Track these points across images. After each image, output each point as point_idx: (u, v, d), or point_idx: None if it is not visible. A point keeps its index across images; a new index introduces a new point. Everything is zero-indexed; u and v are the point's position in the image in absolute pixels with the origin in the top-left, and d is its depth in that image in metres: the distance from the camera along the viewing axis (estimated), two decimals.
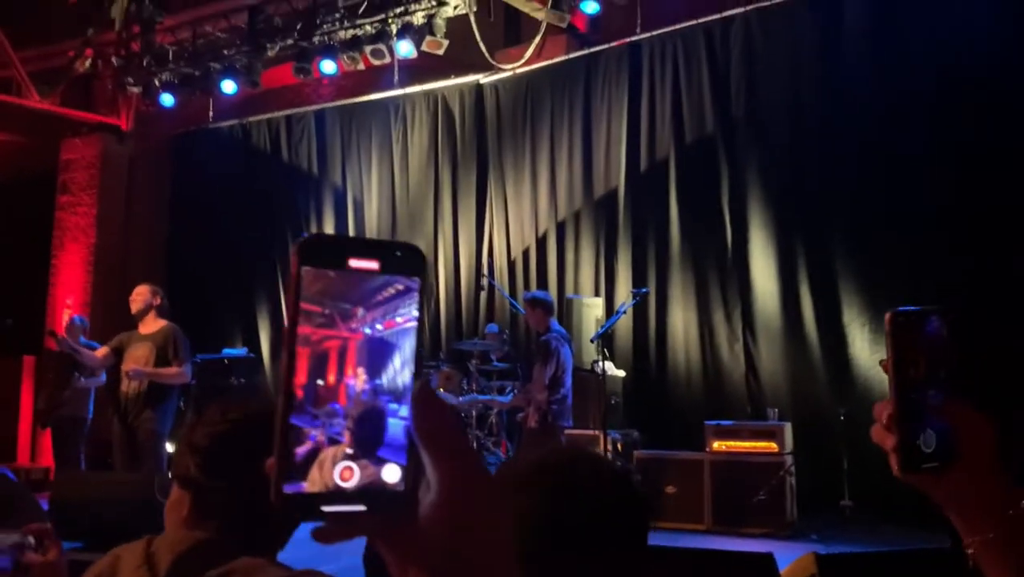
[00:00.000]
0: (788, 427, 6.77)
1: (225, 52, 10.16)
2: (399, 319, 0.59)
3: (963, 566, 0.85)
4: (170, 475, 1.48)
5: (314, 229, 10.82)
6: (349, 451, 0.56)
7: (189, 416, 7.66)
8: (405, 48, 9.07)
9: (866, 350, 7.14)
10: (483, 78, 9.79)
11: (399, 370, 0.58)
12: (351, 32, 9.41)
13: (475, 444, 7.79)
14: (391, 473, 0.57)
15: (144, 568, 1.27)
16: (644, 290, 7.87)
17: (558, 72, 9.39)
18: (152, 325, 6.51)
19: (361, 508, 0.56)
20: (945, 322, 0.87)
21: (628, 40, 8.87)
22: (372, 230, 10.43)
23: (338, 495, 0.56)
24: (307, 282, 0.56)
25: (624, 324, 8.35)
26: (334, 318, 0.57)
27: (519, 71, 9.57)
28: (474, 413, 7.83)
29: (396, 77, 9.94)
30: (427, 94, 10.17)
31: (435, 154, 10.10)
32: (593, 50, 9.18)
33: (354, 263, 0.57)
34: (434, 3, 8.90)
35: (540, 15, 8.95)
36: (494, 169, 9.68)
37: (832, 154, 7.65)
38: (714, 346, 8.13)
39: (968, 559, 0.85)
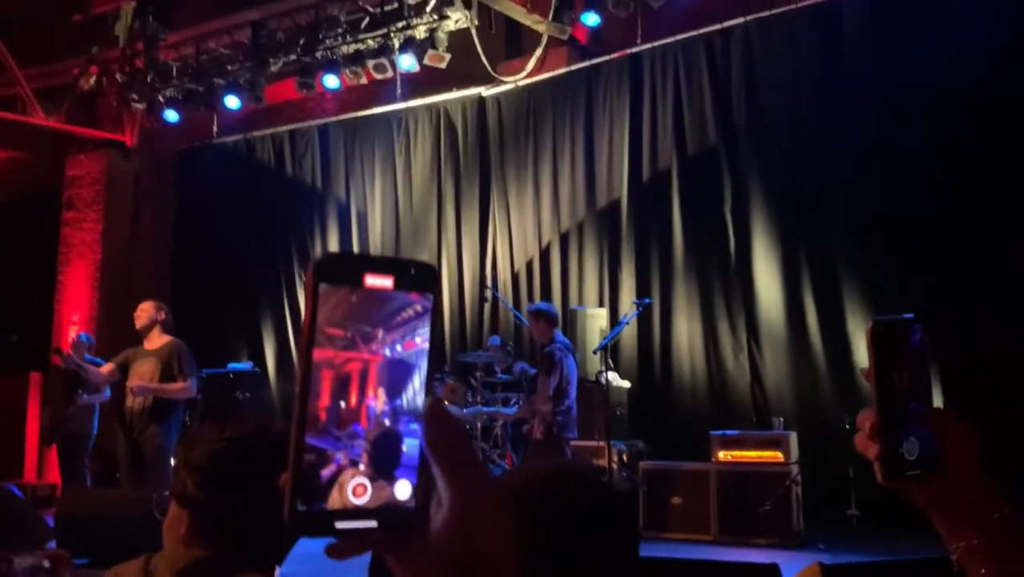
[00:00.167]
0: (793, 436, 6.75)
1: (229, 68, 10.22)
2: (418, 339, 0.60)
3: (948, 572, 0.85)
4: (168, 493, 1.49)
5: (318, 243, 10.85)
6: (366, 471, 0.57)
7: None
8: (407, 62, 9.11)
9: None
10: (485, 91, 9.82)
11: (418, 390, 0.60)
12: (354, 47, 9.46)
13: (480, 456, 7.78)
14: (402, 489, 0.58)
15: None
16: (647, 301, 7.87)
17: (560, 84, 9.42)
18: (157, 340, 6.52)
19: (372, 524, 0.57)
20: (926, 331, 0.88)
21: (629, 51, 8.90)
22: (376, 243, 10.46)
23: (350, 512, 0.57)
24: (325, 301, 0.57)
25: (629, 335, 8.34)
26: (355, 340, 0.58)
27: (521, 83, 9.60)
28: (479, 425, 7.82)
29: (399, 91, 9.98)
30: (430, 107, 10.21)
31: (438, 167, 10.12)
32: (594, 62, 9.21)
33: (370, 280, 0.58)
34: (436, 17, 8.94)
35: (541, 28, 8.99)
36: (497, 181, 9.71)
37: (834, 161, 7.65)
38: (719, 356, 8.12)
39: (953, 565, 0.85)
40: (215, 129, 11.56)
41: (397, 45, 9.11)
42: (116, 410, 6.79)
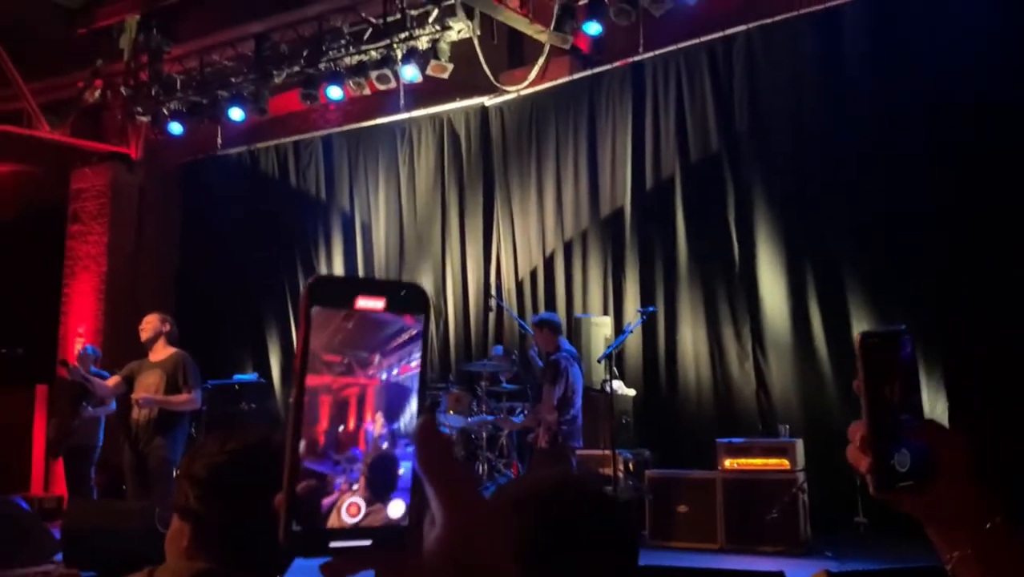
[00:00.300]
0: (800, 443, 6.73)
1: (232, 80, 10.26)
2: (413, 363, 0.61)
3: None
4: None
5: (323, 254, 10.87)
6: (363, 493, 0.58)
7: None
8: (410, 72, 9.15)
9: None
10: (488, 100, 9.85)
11: (415, 413, 0.61)
12: (357, 58, 9.50)
13: (487, 466, 7.77)
14: (396, 508, 0.59)
15: None
16: (651, 309, 7.87)
17: (562, 93, 9.44)
18: (162, 352, 6.54)
19: (367, 543, 0.58)
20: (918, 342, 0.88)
21: (631, 60, 8.92)
22: (380, 253, 10.47)
23: (344, 531, 0.57)
24: (319, 325, 0.58)
25: (634, 343, 8.34)
26: (352, 366, 0.59)
27: (523, 92, 9.62)
28: (484, 435, 7.82)
29: (402, 101, 10.01)
30: (433, 117, 10.23)
31: (442, 176, 10.15)
32: (596, 70, 9.23)
33: (361, 302, 0.59)
34: (438, 28, 8.98)
35: (543, 37, 9.01)
36: (500, 190, 9.72)
37: (837, 167, 7.66)
38: (724, 363, 8.11)
39: (948, 574, 0.85)
40: (219, 141, 11.60)
41: (400, 56, 9.15)
42: (122, 422, 6.80)
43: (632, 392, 8.06)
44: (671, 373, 8.38)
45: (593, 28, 8.56)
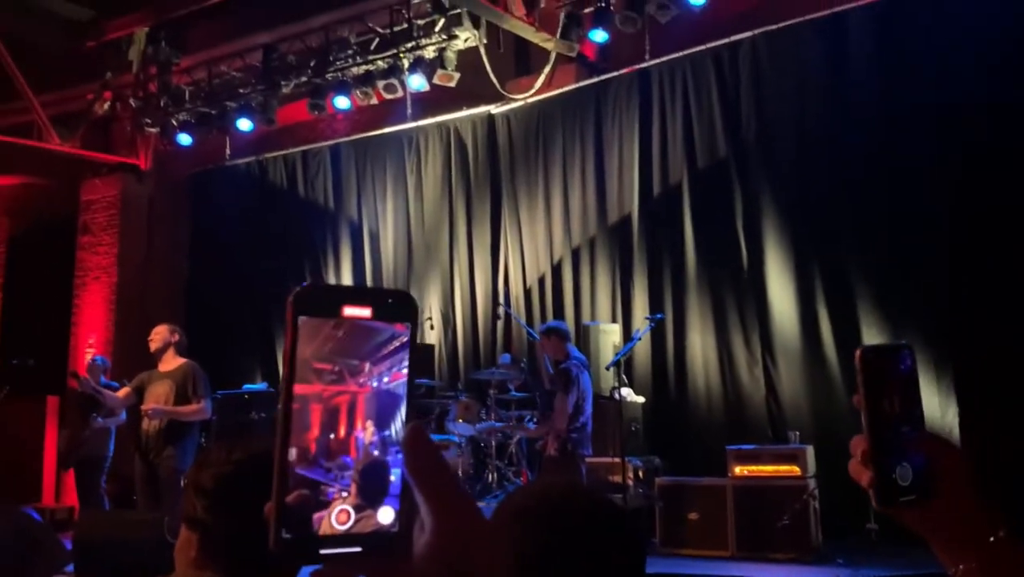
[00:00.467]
0: (810, 450, 6.70)
1: (241, 91, 10.33)
2: (404, 370, 0.61)
3: None
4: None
5: (331, 263, 10.90)
6: (353, 500, 0.58)
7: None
8: (417, 82, 9.19)
9: None
10: (495, 108, 9.87)
11: (405, 420, 0.61)
12: (364, 68, 9.55)
13: (496, 474, 7.76)
14: (386, 515, 0.59)
15: None
16: (659, 316, 7.86)
17: (569, 100, 9.45)
18: (171, 363, 6.56)
19: (357, 550, 0.58)
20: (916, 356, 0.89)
21: (637, 67, 8.93)
22: (388, 262, 10.49)
23: (335, 538, 0.58)
24: (306, 334, 0.58)
25: (643, 350, 8.32)
26: (343, 374, 0.59)
27: (530, 100, 9.64)
28: (493, 443, 7.81)
29: (409, 110, 10.05)
30: (440, 126, 10.26)
31: (449, 185, 10.17)
32: (603, 78, 9.24)
33: (348, 311, 0.59)
34: (445, 37, 9.01)
35: (549, 45, 9.04)
36: (508, 198, 9.73)
37: (845, 172, 7.64)
38: (733, 370, 8.09)
39: None
40: (228, 152, 11.66)
41: (407, 65, 9.20)
42: (132, 433, 6.83)
43: (641, 399, 8.05)
44: (680, 380, 8.36)
45: (599, 36, 8.58)
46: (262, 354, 11.05)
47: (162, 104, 10.76)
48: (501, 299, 9.43)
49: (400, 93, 9.50)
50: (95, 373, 7.80)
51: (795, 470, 6.55)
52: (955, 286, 6.98)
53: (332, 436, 0.59)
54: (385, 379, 0.60)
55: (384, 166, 10.65)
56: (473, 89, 9.47)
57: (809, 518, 6.35)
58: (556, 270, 9.34)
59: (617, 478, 6.73)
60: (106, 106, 11.47)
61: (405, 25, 9.19)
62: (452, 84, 9.25)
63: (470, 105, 9.94)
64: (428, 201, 10.30)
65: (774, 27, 8.10)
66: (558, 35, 8.72)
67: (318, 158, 11.20)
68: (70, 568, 5.69)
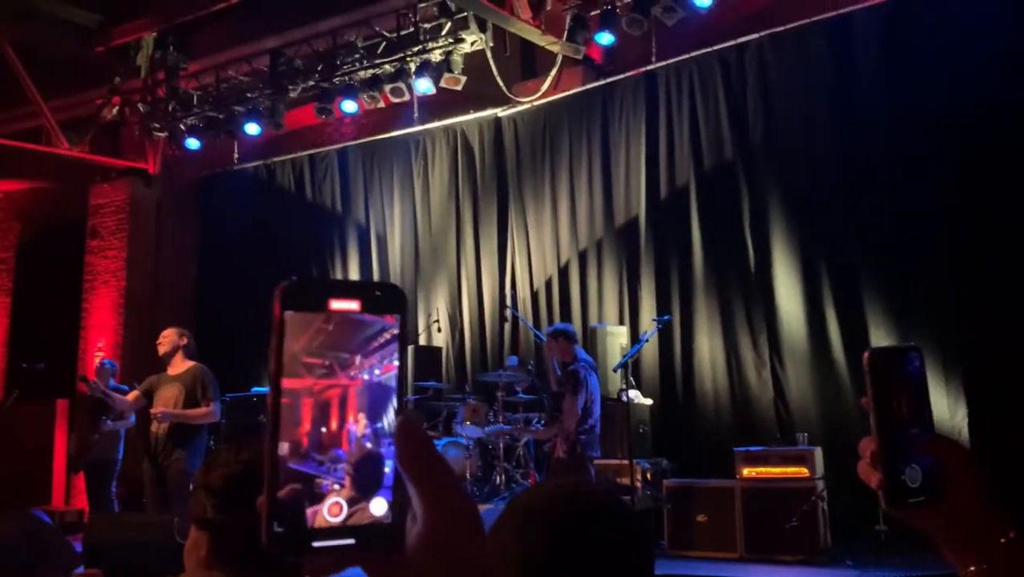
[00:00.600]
0: (819, 452, 6.68)
1: (248, 95, 10.36)
2: (396, 362, 0.61)
3: None
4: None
5: (339, 266, 10.92)
6: (347, 492, 0.59)
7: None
8: (424, 85, 9.20)
9: None
10: (501, 111, 9.88)
11: (397, 412, 0.61)
12: (371, 72, 9.57)
13: (504, 476, 7.76)
14: (378, 506, 0.59)
15: None
16: (666, 318, 7.84)
17: (575, 103, 9.46)
18: (180, 366, 6.58)
19: (350, 542, 0.58)
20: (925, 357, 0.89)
21: (644, 69, 8.93)
22: (395, 265, 10.51)
23: (327, 531, 0.58)
24: (294, 329, 0.59)
25: (650, 352, 8.32)
26: (334, 368, 0.59)
27: (537, 103, 9.65)
28: (501, 445, 7.81)
29: (416, 114, 10.07)
30: (446, 129, 10.27)
31: (456, 188, 10.18)
32: (609, 80, 9.25)
33: (335, 304, 0.59)
34: (451, 40, 9.03)
35: (556, 48, 9.05)
36: (514, 201, 9.74)
37: (852, 173, 7.63)
38: (741, 372, 8.08)
39: None
40: (236, 156, 11.70)
41: (413, 69, 9.21)
42: (141, 436, 6.85)
43: (649, 401, 8.04)
44: (688, 382, 8.35)
45: (605, 38, 8.58)
46: None
47: (170, 109, 10.81)
48: (508, 302, 9.43)
49: (407, 97, 9.52)
50: (104, 376, 7.84)
51: (803, 472, 6.54)
52: (964, 288, 6.96)
53: (324, 430, 0.59)
54: (376, 371, 0.61)
55: (391, 169, 10.67)
56: (480, 92, 9.48)
57: (818, 520, 6.33)
58: (563, 272, 9.34)
59: (625, 480, 6.73)
60: (115, 111, 11.53)
61: (412, 29, 9.22)
62: (459, 87, 9.26)
63: (477, 108, 9.96)
64: (435, 204, 10.32)
65: (780, 29, 8.10)
66: (564, 38, 8.72)
67: (325, 162, 11.23)
68: (79, 570, 5.71)
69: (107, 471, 8.16)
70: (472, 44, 9.07)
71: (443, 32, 9.08)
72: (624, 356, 7.33)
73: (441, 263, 10.15)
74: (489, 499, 7.44)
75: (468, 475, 7.86)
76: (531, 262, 9.56)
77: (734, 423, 7.98)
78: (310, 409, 0.59)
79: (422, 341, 9.90)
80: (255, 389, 9.84)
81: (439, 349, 9.86)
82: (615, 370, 7.31)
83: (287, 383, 0.58)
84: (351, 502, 0.59)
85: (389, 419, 0.61)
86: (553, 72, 9.40)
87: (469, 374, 9.60)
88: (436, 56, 9.15)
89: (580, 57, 9.11)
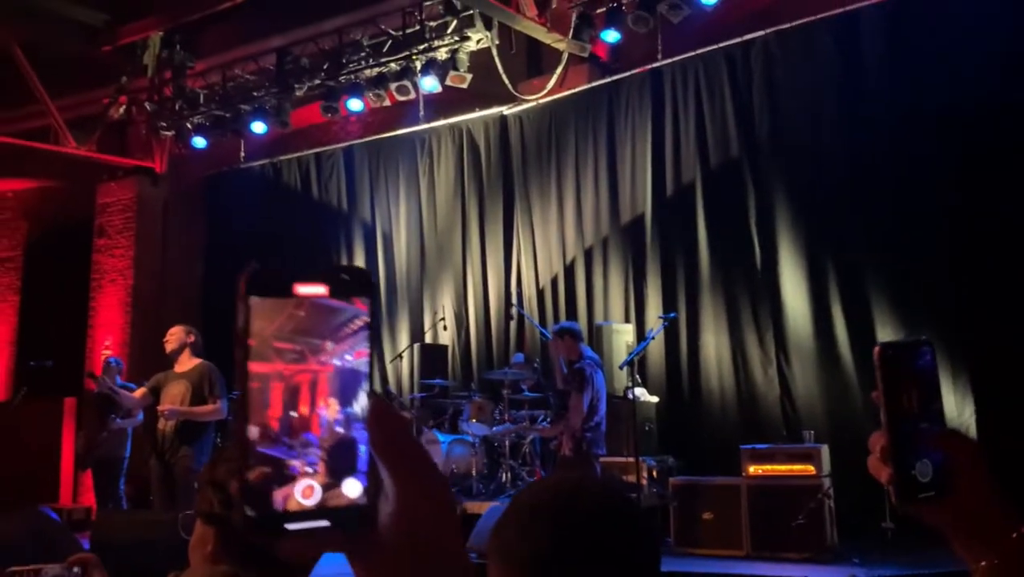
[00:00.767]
0: (825, 449, 6.67)
1: (255, 94, 10.38)
2: (367, 348, 0.62)
3: None
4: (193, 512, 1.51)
5: (344, 264, 10.91)
6: (321, 476, 0.59)
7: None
8: (429, 83, 9.21)
9: None
10: (507, 109, 9.88)
11: (368, 396, 0.62)
12: (376, 70, 9.58)
13: (510, 474, 7.76)
14: (353, 488, 0.60)
15: None
16: (672, 315, 7.84)
17: (581, 101, 9.45)
18: (187, 363, 6.60)
19: (324, 524, 0.58)
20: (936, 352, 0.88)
21: (650, 67, 8.92)
22: (401, 263, 10.52)
23: (300, 513, 0.58)
24: (262, 315, 0.59)
25: (656, 350, 8.31)
26: (305, 353, 0.60)
27: (542, 101, 9.64)
28: (507, 442, 7.82)
29: (421, 112, 10.07)
30: (452, 127, 10.28)
31: (462, 186, 10.18)
32: (615, 78, 9.24)
33: (301, 289, 0.60)
34: (457, 38, 9.03)
35: (561, 46, 9.04)
36: (520, 199, 9.74)
37: (859, 170, 7.61)
38: (747, 369, 8.06)
39: None
40: (242, 154, 11.72)
41: (419, 67, 9.22)
42: (148, 433, 6.87)
43: (655, 399, 8.03)
44: (694, 379, 8.34)
45: (611, 36, 8.58)
46: None
47: (177, 108, 10.84)
48: (514, 300, 9.43)
49: (412, 95, 9.52)
50: (110, 374, 7.86)
51: (810, 469, 6.52)
52: (972, 284, 6.94)
53: (294, 414, 0.59)
54: (347, 357, 0.61)
55: (397, 168, 10.68)
56: (485, 90, 9.48)
57: (824, 517, 6.32)
58: (569, 270, 9.34)
59: (631, 478, 6.73)
60: (121, 110, 11.56)
61: (417, 27, 9.22)
62: (464, 85, 9.27)
63: (482, 106, 9.96)
64: (441, 202, 10.32)
65: (787, 26, 8.08)
66: (570, 35, 8.72)
67: (331, 160, 11.24)
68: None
69: (115, 469, 8.19)
70: (478, 42, 9.07)
71: (449, 30, 9.08)
72: (630, 354, 7.32)
73: (447, 261, 10.15)
74: (495, 496, 7.45)
75: (474, 472, 7.87)
76: (537, 260, 9.56)
77: (740, 420, 7.97)
78: (280, 393, 0.59)
79: (428, 339, 9.92)
80: None
81: (445, 347, 9.87)
82: (621, 368, 7.31)
83: (257, 367, 0.59)
84: (325, 485, 0.59)
85: (360, 404, 0.61)
86: (559, 70, 9.40)
87: (475, 372, 9.60)
88: (442, 54, 9.15)
89: (586, 55, 9.10)
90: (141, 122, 11.52)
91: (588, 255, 9.21)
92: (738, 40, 8.34)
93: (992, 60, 7.00)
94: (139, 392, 6.88)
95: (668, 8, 8.08)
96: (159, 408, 6.47)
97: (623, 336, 8.30)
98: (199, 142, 10.86)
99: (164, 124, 10.94)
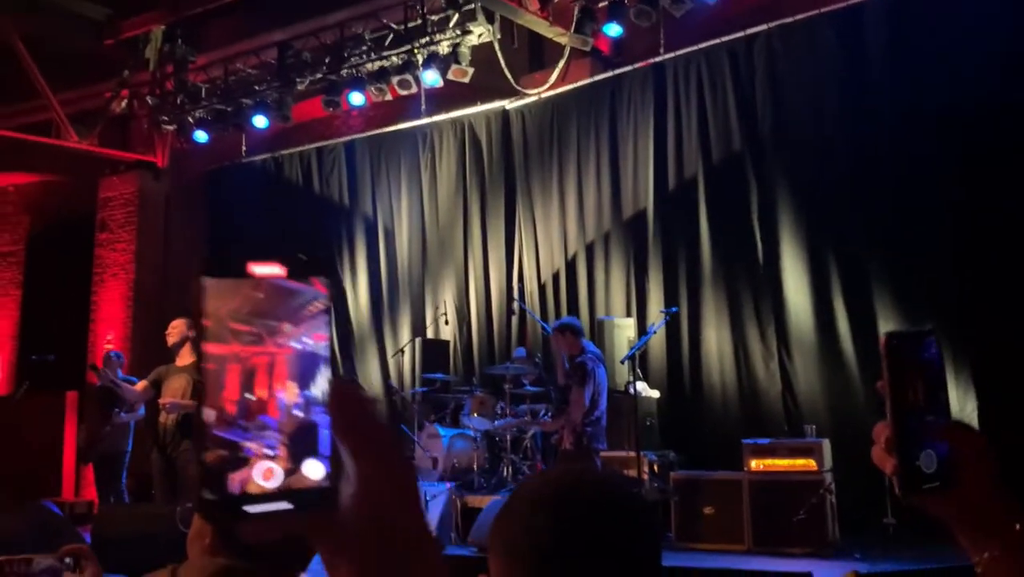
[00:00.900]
0: (827, 444, 6.66)
1: (256, 88, 10.36)
2: (327, 332, 0.61)
3: None
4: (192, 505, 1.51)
5: (346, 259, 10.92)
6: (281, 458, 0.58)
7: None
8: (431, 77, 9.19)
9: None
10: (509, 104, 9.86)
11: (330, 379, 0.61)
12: (378, 64, 9.56)
13: (511, 468, 7.77)
14: (315, 470, 0.59)
15: None
16: (674, 310, 7.83)
17: (583, 95, 9.43)
18: (188, 357, 6.60)
19: (286, 506, 0.58)
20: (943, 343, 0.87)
21: (652, 61, 8.90)
22: (403, 258, 10.51)
23: (261, 496, 0.58)
24: (222, 294, 0.59)
25: (657, 344, 8.31)
26: (262, 336, 0.59)
27: (544, 95, 9.63)
28: (508, 437, 7.82)
29: (423, 106, 10.05)
30: (454, 121, 10.26)
31: (463, 180, 10.17)
32: (617, 72, 9.22)
33: (256, 269, 0.59)
34: (459, 32, 9.01)
35: (564, 40, 9.02)
36: (522, 194, 9.73)
37: (861, 165, 7.59)
38: (749, 364, 8.06)
39: (977, 575, 0.85)
40: (244, 148, 11.71)
41: (421, 61, 9.20)
42: (150, 427, 6.88)
43: (656, 394, 8.03)
44: (695, 374, 8.34)
45: (613, 30, 8.55)
46: None
47: (179, 102, 10.83)
48: (515, 294, 9.43)
49: (414, 89, 9.50)
50: (111, 367, 7.87)
51: (811, 464, 6.52)
52: (974, 279, 6.92)
53: (251, 397, 0.59)
54: (307, 340, 0.60)
55: (399, 162, 10.67)
56: (487, 84, 9.47)
57: (825, 512, 6.32)
58: (570, 265, 9.33)
59: (632, 472, 6.73)
60: (123, 104, 11.56)
61: (419, 21, 9.20)
62: (466, 79, 9.25)
63: (484, 100, 9.94)
64: (442, 197, 10.31)
65: (790, 20, 8.05)
66: (572, 29, 8.69)
67: (333, 154, 11.24)
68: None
69: (117, 463, 8.20)
70: (479, 36, 9.05)
71: (451, 24, 9.06)
72: (631, 348, 7.32)
73: (448, 256, 10.15)
74: (496, 490, 7.46)
75: (475, 467, 7.88)
76: (538, 255, 9.55)
77: (742, 415, 7.97)
78: (237, 376, 0.58)
79: (430, 334, 9.92)
80: None
81: (447, 342, 9.87)
82: (622, 362, 7.31)
83: (212, 348, 0.58)
84: (286, 467, 0.58)
85: (321, 387, 0.60)
86: (561, 64, 9.38)
87: (476, 366, 9.61)
88: (443, 48, 9.13)
89: (588, 49, 9.08)
90: (143, 116, 11.52)
91: (590, 250, 9.20)
92: (740, 34, 8.31)
93: (993, 49, 6.97)
94: (140, 385, 6.89)
95: (670, 2, 8.06)
96: (160, 401, 6.48)
97: (624, 331, 8.29)
98: (201, 136, 10.85)
99: (166, 118, 10.93)
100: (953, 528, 0.87)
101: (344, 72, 9.71)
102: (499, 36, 9.06)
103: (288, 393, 0.60)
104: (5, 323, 13.26)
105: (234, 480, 0.57)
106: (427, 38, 9.10)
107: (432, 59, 9.13)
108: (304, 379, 0.60)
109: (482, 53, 9.21)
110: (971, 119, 7.01)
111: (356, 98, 9.78)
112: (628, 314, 8.70)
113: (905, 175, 7.33)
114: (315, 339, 0.61)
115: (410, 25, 9.28)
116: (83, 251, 12.22)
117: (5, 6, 10.19)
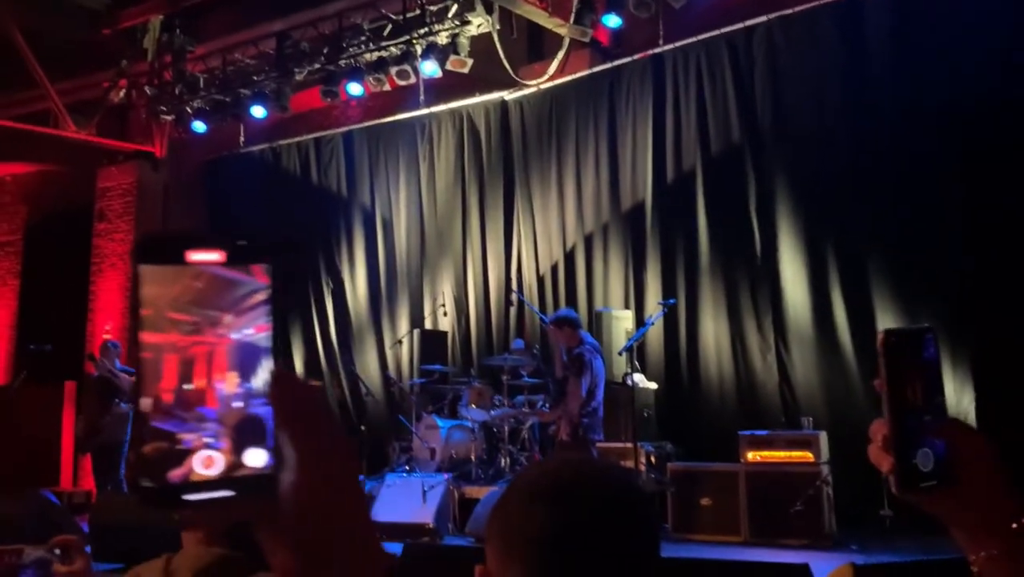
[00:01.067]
0: (823, 436, 6.68)
1: (254, 78, 10.34)
2: (269, 323, 0.61)
3: None
4: None
5: (344, 250, 10.91)
6: (221, 447, 0.58)
7: None
8: (430, 68, 9.17)
9: None
10: (508, 95, 9.84)
11: (272, 370, 0.61)
12: (377, 54, 9.54)
13: (508, 459, 7.78)
14: (256, 458, 0.59)
15: None
16: (671, 301, 7.83)
17: (582, 86, 9.41)
18: None
19: (227, 494, 0.58)
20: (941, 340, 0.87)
21: (651, 52, 8.88)
22: (401, 249, 10.51)
23: (200, 484, 0.58)
24: (160, 282, 0.58)
25: (655, 336, 8.31)
26: (201, 325, 0.59)
27: (543, 86, 9.61)
28: (506, 428, 7.83)
29: (422, 96, 10.03)
30: (453, 112, 10.24)
31: (462, 171, 10.16)
32: (616, 63, 9.20)
33: (194, 256, 0.58)
34: (457, 23, 8.99)
35: (563, 30, 9.00)
36: (521, 185, 9.72)
37: (860, 158, 7.58)
38: (746, 356, 8.07)
39: (974, 575, 0.84)
40: (242, 139, 11.70)
41: (419, 51, 9.18)
42: None
43: (654, 385, 8.04)
44: (693, 366, 8.34)
45: (613, 21, 8.53)
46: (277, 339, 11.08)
47: (177, 92, 10.80)
48: (514, 286, 9.42)
49: (413, 79, 9.48)
50: (109, 357, 7.88)
51: (808, 456, 6.54)
52: (971, 272, 6.92)
53: (189, 387, 0.58)
54: (248, 330, 0.60)
55: (397, 153, 10.66)
56: (486, 75, 9.45)
57: (822, 504, 6.34)
58: (569, 257, 9.33)
59: (629, 463, 6.74)
60: (121, 94, 11.53)
61: (418, 11, 9.17)
62: (465, 70, 9.23)
63: (483, 91, 9.92)
64: (441, 188, 10.30)
65: (790, 11, 8.03)
66: (571, 20, 8.67)
67: (331, 145, 11.22)
68: (87, 550, 5.75)
69: (115, 453, 8.21)
70: (478, 26, 9.03)
71: (449, 14, 9.03)
72: (629, 340, 7.32)
73: (447, 247, 10.14)
74: (493, 481, 7.47)
75: (473, 457, 7.89)
76: (537, 246, 9.55)
77: (739, 407, 7.98)
78: (175, 365, 0.58)
79: (428, 325, 9.92)
80: None
81: (445, 333, 9.88)
82: (620, 354, 7.31)
83: (149, 337, 0.58)
84: (226, 456, 0.58)
85: (261, 378, 0.60)
86: (560, 55, 9.36)
87: (474, 358, 9.61)
88: (442, 39, 9.11)
89: (587, 40, 9.06)
90: (141, 106, 11.49)
91: (588, 241, 9.19)
92: (740, 26, 8.29)
93: (993, 45, 6.96)
94: None
95: None
96: None
97: (622, 322, 8.30)
98: (199, 126, 10.83)
99: (164, 108, 10.91)
100: (950, 526, 0.87)
101: (342, 62, 9.69)
102: (498, 27, 9.04)
103: (228, 383, 0.59)
104: (3, 313, 13.26)
105: (174, 469, 0.57)
106: (426, 28, 9.08)
107: (431, 49, 9.11)
108: (244, 370, 0.60)
109: (481, 44, 9.18)
110: (971, 115, 7.00)
111: (354, 88, 9.76)
112: (626, 306, 8.70)
113: (905, 170, 7.31)
114: (256, 330, 0.60)
115: (409, 15, 9.26)
116: (81, 241, 12.21)
117: None
